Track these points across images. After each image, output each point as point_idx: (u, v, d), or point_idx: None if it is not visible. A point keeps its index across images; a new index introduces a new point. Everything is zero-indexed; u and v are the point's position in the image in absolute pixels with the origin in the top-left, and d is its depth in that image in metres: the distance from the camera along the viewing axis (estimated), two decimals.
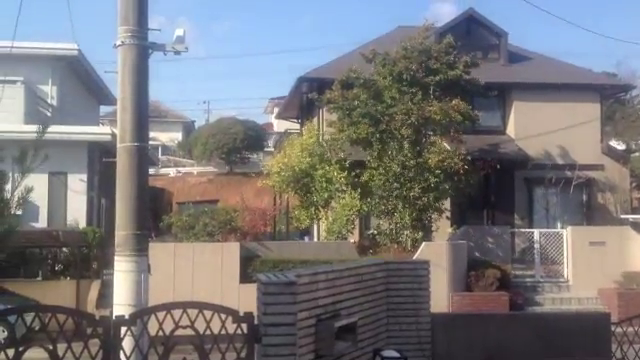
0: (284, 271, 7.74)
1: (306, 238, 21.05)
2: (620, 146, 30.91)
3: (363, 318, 6.73)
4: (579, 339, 7.48)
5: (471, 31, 22.77)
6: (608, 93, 24.05)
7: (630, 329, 8.39)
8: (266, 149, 33.47)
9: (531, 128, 21.32)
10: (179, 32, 8.41)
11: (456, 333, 7.57)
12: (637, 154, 31.46)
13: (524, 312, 13.12)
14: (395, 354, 6.67)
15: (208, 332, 5.14)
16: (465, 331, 7.60)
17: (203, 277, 13.82)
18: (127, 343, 5.08)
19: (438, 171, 16.48)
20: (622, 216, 20.77)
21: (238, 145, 30.49)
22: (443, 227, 17.72)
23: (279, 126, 35.69)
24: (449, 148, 17.19)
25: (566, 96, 21.69)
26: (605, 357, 7.54)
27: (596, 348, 7.51)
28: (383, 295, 7.26)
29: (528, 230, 18.31)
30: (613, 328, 7.81)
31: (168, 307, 5.19)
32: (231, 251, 14.42)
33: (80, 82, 25.02)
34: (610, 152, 22.83)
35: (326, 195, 17.64)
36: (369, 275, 7.04)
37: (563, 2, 72.68)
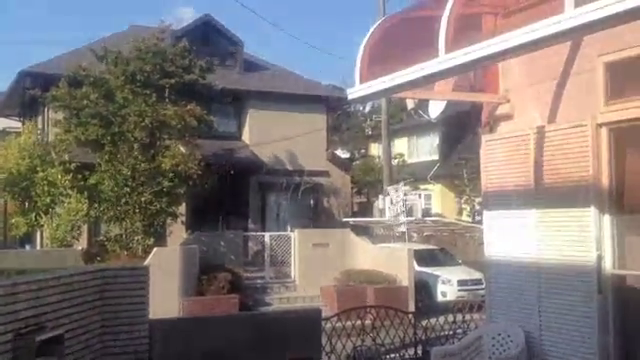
0: None
1: (27, 246, 19.40)
2: (345, 154, 33.72)
3: (72, 330, 6.31)
4: (294, 335, 7.85)
5: (209, 37, 23.02)
6: (334, 105, 26.03)
7: (339, 324, 9.11)
8: None
9: (265, 135, 22.18)
10: None
11: (175, 338, 7.48)
12: (358, 162, 34.62)
13: (243, 313, 13.43)
14: None
15: None
16: (184, 335, 7.55)
17: None
18: None
19: (172, 175, 16.30)
20: (344, 219, 22.61)
21: None
22: (179, 232, 17.56)
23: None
24: (184, 152, 17.11)
25: (296, 106, 22.96)
26: (316, 351, 8.02)
27: (309, 342, 7.94)
28: (97, 304, 6.90)
29: (260, 234, 18.96)
30: (323, 323, 8.37)
31: None
32: None
33: None
34: (334, 160, 24.72)
35: (48, 200, 16.41)
36: (80, 284, 6.64)
37: (297, 15, 77.32)
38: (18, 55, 67.39)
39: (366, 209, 32.33)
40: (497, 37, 5.16)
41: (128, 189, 15.80)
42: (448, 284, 16.87)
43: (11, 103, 23.92)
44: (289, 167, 22.69)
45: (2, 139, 20.35)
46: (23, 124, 22.61)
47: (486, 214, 7.82)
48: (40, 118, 20.86)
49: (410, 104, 32.64)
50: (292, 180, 22.16)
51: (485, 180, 7.73)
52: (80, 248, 15.82)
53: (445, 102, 11.49)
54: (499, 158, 7.50)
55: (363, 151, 40.06)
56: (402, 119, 37.61)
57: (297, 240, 17.65)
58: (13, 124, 25.67)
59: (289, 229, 19.64)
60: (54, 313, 6.06)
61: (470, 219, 25.51)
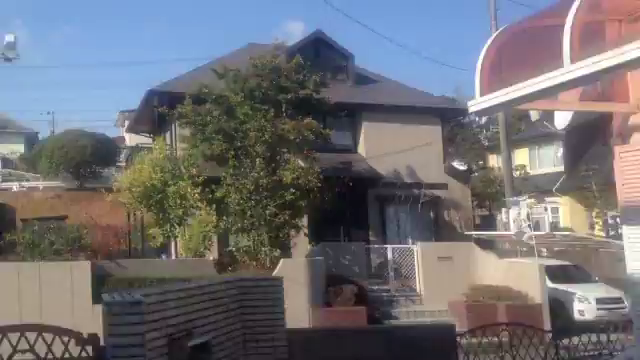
0: (135, 290, 7.39)
1: (163, 256, 20.37)
2: (462, 167, 33.02)
3: (218, 337, 6.53)
4: (428, 350, 7.70)
5: (320, 52, 23.31)
6: (448, 117, 25.56)
7: (474, 340, 8.82)
8: (118, 164, 32.11)
9: (380, 148, 22.11)
10: (9, 38, 7.73)
11: (312, 348, 7.55)
12: (477, 174, 33.76)
13: (377, 325, 13.43)
14: None
15: (51, 356, 4.88)
16: (321, 346, 7.61)
17: (52, 298, 12.94)
18: None
19: (293, 189, 16.54)
20: (466, 232, 22.06)
21: (87, 159, 28.87)
22: (302, 244, 17.82)
23: (131, 140, 34.58)
24: (303, 166, 17.35)
25: (410, 118, 22.68)
26: None
27: (444, 358, 7.76)
28: (238, 312, 7.10)
29: (382, 246, 18.90)
30: (458, 339, 8.14)
31: (4, 330, 4.76)
32: (82, 270, 13.66)
33: None
34: (452, 172, 24.22)
35: (181, 212, 17.14)
36: (222, 293, 6.86)
37: (405, 29, 77.01)
38: (147, 74, 71.62)
39: (489, 222, 31.46)
40: (626, 45, 4.88)
41: (253, 202, 16.20)
42: (585, 302, 16.05)
43: (142, 120, 25.28)
44: (406, 180, 22.47)
45: (137, 154, 21.53)
46: (153, 140, 23.83)
47: (626, 229, 7.36)
48: (168, 134, 21.88)
49: (535, 115, 31.64)
50: (410, 193, 21.92)
51: (622, 193, 7.30)
52: (211, 258, 16.40)
53: (572, 112, 10.97)
54: (636, 170, 7.04)
55: (481, 163, 39.11)
56: (520, 129, 36.37)
57: (420, 253, 17.43)
58: (145, 140, 27.15)
59: (410, 242, 19.41)
60: (201, 320, 6.28)
61: (604, 234, 24.16)
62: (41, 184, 30.15)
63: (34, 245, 15.22)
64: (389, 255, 17.80)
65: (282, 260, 15.16)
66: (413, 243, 18.47)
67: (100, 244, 15.89)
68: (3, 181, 31.16)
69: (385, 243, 19.91)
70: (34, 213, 23.93)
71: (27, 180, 31.97)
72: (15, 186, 29.55)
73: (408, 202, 21.73)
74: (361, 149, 22.80)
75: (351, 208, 21.21)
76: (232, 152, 16.80)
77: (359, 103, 22.57)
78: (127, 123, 34.01)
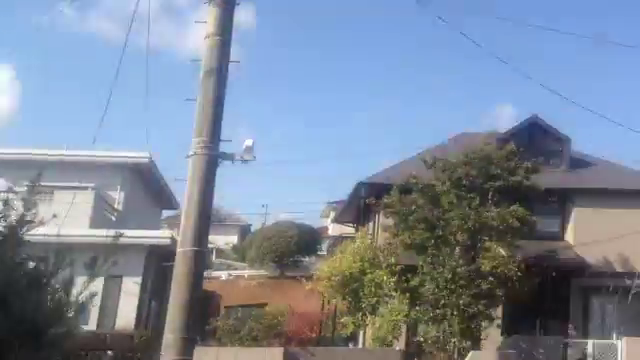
0: None
1: (351, 344, 21.55)
2: None
3: None
4: None
5: (534, 137, 23.40)
6: None
7: None
8: (319, 253, 34.60)
9: (591, 235, 21.50)
10: (248, 142, 8.91)
11: None
12: None
13: None
14: None
15: None
16: None
17: None
18: None
19: (491, 277, 16.89)
20: None
21: (292, 248, 31.75)
22: (493, 335, 17.92)
23: (334, 230, 37.11)
24: (504, 254, 17.57)
25: (628, 202, 22.03)
26: None
27: None
28: None
29: (581, 341, 18.37)
30: None
31: None
32: (274, 357, 15.33)
33: (146, 188, 26.65)
34: None
35: (374, 300, 18.29)
36: None
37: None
38: (353, 167, 75.15)
39: None
40: None
41: (447, 291, 16.90)
42: None
43: (348, 211, 27.24)
44: (617, 269, 21.58)
45: (339, 244, 23.40)
46: (356, 230, 25.57)
47: None
48: (371, 224, 23.41)
49: None
50: (620, 283, 21.00)
51: None
52: (398, 349, 17.25)
53: None
54: None
55: None
56: None
57: (625, 349, 16.73)
58: (347, 230, 29.13)
59: (614, 337, 18.56)
60: None
61: None
62: (246, 272, 33.60)
63: (234, 331, 17.15)
64: (589, 351, 17.26)
65: (471, 352, 15.56)
66: (618, 338, 17.67)
67: (295, 331, 17.40)
68: (214, 270, 34.99)
69: (586, 337, 19.35)
70: (237, 300, 26.74)
71: (235, 269, 35.70)
72: (224, 275, 33.18)
73: (617, 293, 20.90)
74: (569, 236, 22.44)
75: (551, 299, 20.84)
76: (432, 241, 17.67)
77: (571, 188, 22.42)
78: (332, 214, 36.57)
